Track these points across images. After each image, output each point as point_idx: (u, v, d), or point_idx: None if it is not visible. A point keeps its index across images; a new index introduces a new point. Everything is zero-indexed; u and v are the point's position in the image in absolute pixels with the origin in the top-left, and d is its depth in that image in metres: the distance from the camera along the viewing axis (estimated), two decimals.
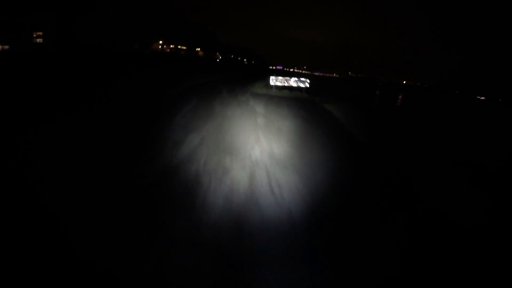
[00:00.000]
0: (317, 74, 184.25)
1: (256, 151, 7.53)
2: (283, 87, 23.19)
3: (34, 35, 27.44)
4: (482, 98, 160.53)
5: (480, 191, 7.56)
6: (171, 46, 54.71)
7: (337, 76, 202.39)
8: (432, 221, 5.36)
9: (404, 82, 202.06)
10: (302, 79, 23.56)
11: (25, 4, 25.22)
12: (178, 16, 56.35)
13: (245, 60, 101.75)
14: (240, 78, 37.81)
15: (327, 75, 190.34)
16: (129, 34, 39.33)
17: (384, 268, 3.76)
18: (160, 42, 51.72)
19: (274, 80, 22.84)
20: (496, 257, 4.47)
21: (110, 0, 35.94)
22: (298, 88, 23.20)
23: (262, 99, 17.65)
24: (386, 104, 39.11)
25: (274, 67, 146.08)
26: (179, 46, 57.06)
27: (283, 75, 26.08)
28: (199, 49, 64.93)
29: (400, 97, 57.73)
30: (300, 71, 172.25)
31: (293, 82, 23.04)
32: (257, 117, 11.91)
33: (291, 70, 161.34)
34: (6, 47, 23.91)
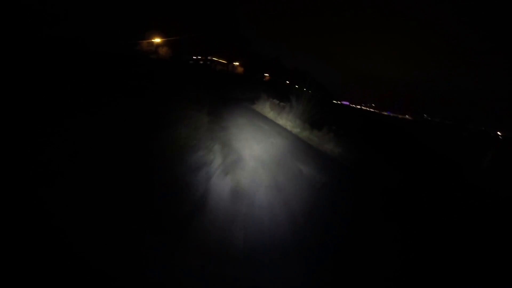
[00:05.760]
0: (385, 113, 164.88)
1: None
2: None
3: None
4: None
5: None
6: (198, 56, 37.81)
7: (410, 118, 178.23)
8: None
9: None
10: None
11: None
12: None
13: (296, 86, 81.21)
14: None
15: (399, 116, 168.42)
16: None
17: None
18: (157, 40, 29.20)
19: None
20: None
21: None
22: None
23: None
24: None
25: (339, 102, 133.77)
26: (214, 58, 41.49)
27: None
28: (238, 63, 49.22)
29: None
30: (368, 108, 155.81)
31: None
32: None
33: (358, 107, 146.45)
34: None
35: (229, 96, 20.58)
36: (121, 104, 7.86)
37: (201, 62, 38.65)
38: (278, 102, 15.61)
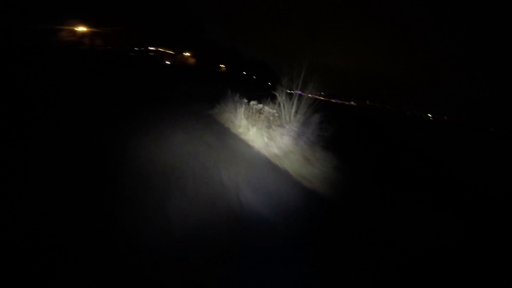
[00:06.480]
0: (333, 101, 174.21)
1: None
2: None
3: None
4: None
5: None
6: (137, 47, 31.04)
7: (354, 104, 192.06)
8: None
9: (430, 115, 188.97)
10: None
11: None
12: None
13: (254, 77, 73.79)
14: None
15: (346, 103, 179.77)
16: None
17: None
18: (82, 28, 21.41)
19: None
20: None
21: None
22: None
23: None
24: None
25: (292, 92, 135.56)
26: (160, 48, 34.30)
27: None
28: (188, 54, 43.01)
29: None
30: (319, 97, 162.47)
31: None
32: None
33: (309, 95, 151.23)
34: None
35: (173, 94, 15.79)
36: None
37: (144, 53, 32.71)
38: (261, 106, 11.34)
